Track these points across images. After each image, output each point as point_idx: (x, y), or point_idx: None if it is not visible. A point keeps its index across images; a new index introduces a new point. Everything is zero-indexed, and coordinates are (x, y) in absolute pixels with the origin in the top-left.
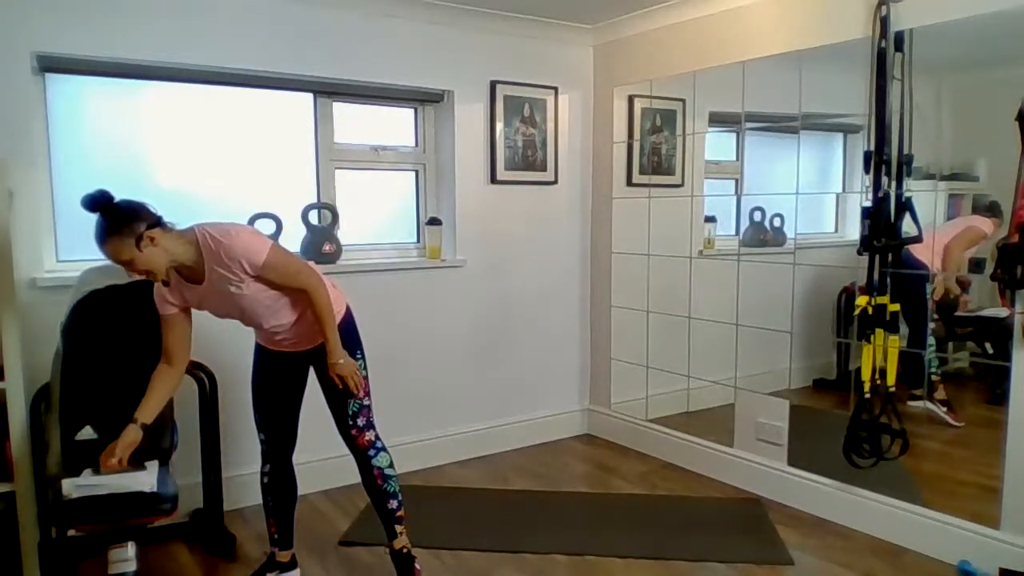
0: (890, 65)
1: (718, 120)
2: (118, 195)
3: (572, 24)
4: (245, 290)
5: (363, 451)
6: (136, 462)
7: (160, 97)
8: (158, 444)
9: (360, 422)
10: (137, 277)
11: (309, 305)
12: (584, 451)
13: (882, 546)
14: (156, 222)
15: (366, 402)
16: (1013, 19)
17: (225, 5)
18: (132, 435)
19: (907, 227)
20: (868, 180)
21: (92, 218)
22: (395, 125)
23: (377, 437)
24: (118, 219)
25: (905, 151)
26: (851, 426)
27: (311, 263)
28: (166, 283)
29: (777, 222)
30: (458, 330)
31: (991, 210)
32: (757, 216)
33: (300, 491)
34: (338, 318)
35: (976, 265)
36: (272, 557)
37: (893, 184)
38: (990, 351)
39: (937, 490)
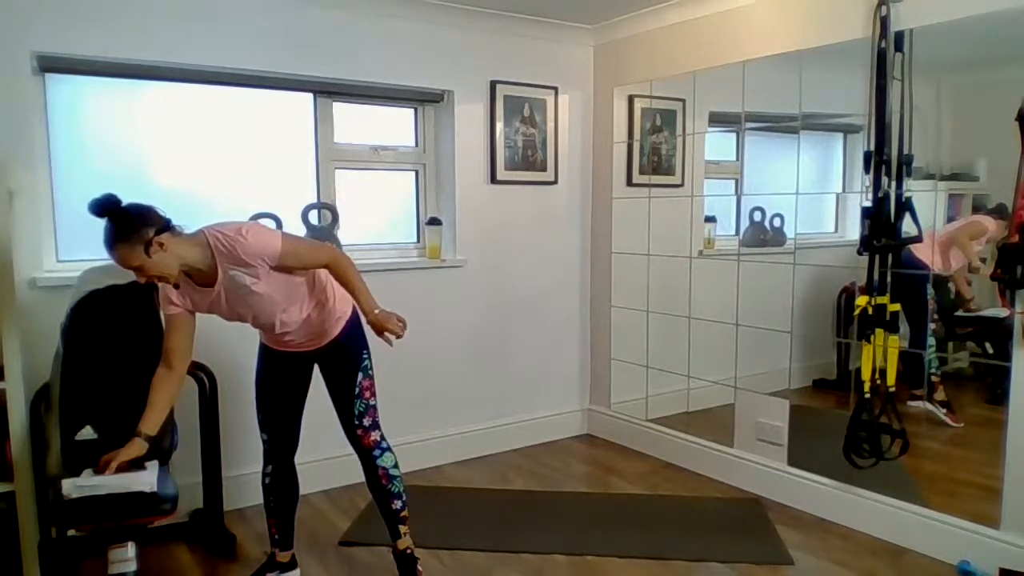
0: (890, 65)
1: (718, 120)
2: (120, 196)
3: (572, 24)
4: (259, 288)
5: (368, 451)
6: (136, 463)
7: (160, 97)
8: (158, 444)
9: (366, 422)
10: (147, 281)
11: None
12: (584, 451)
13: (882, 546)
14: (165, 226)
15: (372, 402)
16: (1013, 19)
17: (225, 5)
18: (136, 448)
19: (907, 227)
20: (868, 180)
21: (93, 218)
22: (395, 125)
23: (383, 437)
24: (126, 225)
25: (905, 151)
26: (851, 426)
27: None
28: (176, 286)
29: (777, 222)
30: (458, 330)
31: (998, 212)
32: (757, 216)
33: (300, 491)
34: (344, 318)
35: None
36: (272, 557)
37: (893, 184)
38: (990, 351)
39: (937, 490)
